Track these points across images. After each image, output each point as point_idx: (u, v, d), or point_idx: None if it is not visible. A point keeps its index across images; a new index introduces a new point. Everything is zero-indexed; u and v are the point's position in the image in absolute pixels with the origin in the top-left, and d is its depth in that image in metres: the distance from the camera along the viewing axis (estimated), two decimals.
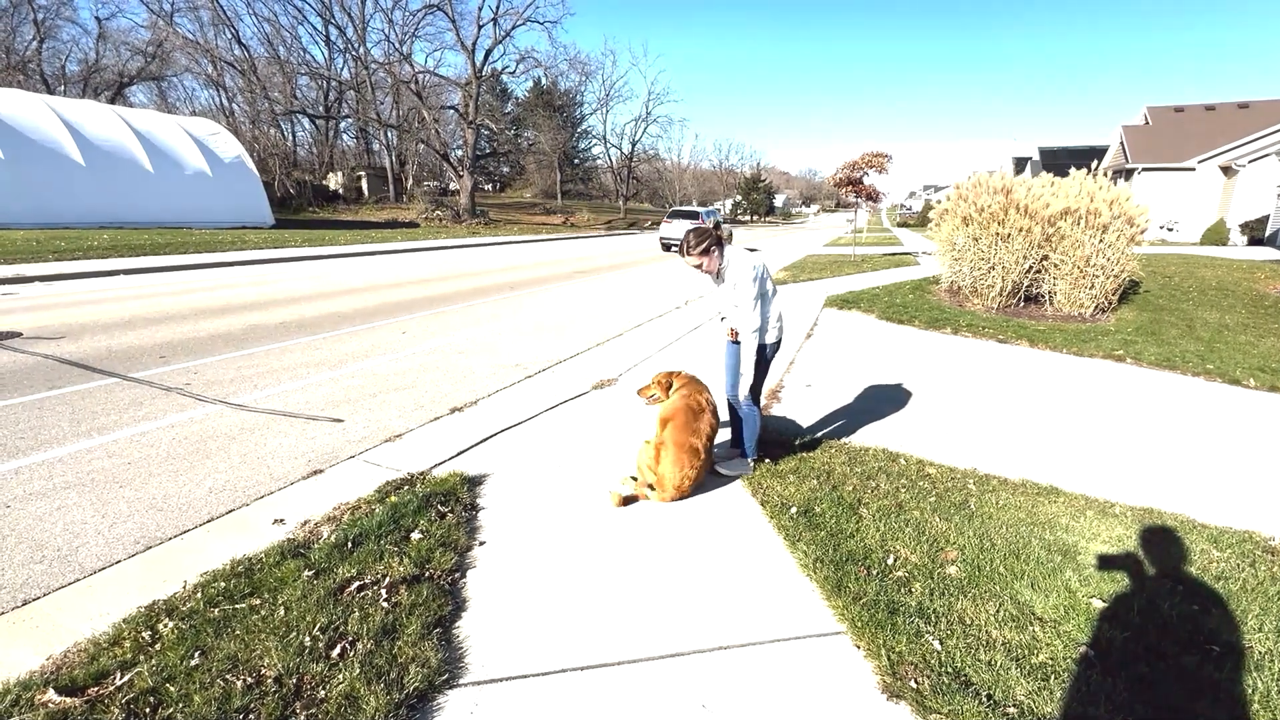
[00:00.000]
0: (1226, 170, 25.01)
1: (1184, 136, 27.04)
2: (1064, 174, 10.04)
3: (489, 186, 62.28)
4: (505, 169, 63.44)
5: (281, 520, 3.02)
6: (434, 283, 12.70)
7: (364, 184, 43.28)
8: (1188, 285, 12.19)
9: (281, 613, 2.19)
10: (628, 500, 3.25)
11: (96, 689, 1.86)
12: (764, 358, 3.41)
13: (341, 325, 7.99)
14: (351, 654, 2.00)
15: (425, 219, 35.07)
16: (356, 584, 2.37)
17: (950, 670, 1.99)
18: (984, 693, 1.90)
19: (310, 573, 2.45)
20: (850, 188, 16.50)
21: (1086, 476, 3.69)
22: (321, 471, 3.62)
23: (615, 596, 2.45)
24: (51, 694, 1.83)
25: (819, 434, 4.27)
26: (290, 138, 44.71)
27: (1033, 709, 1.85)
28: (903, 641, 2.12)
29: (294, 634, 2.08)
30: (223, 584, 2.38)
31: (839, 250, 23.34)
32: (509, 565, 2.67)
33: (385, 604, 2.26)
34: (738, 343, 3.43)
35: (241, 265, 14.69)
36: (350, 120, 47.07)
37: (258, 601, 2.28)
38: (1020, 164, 43.78)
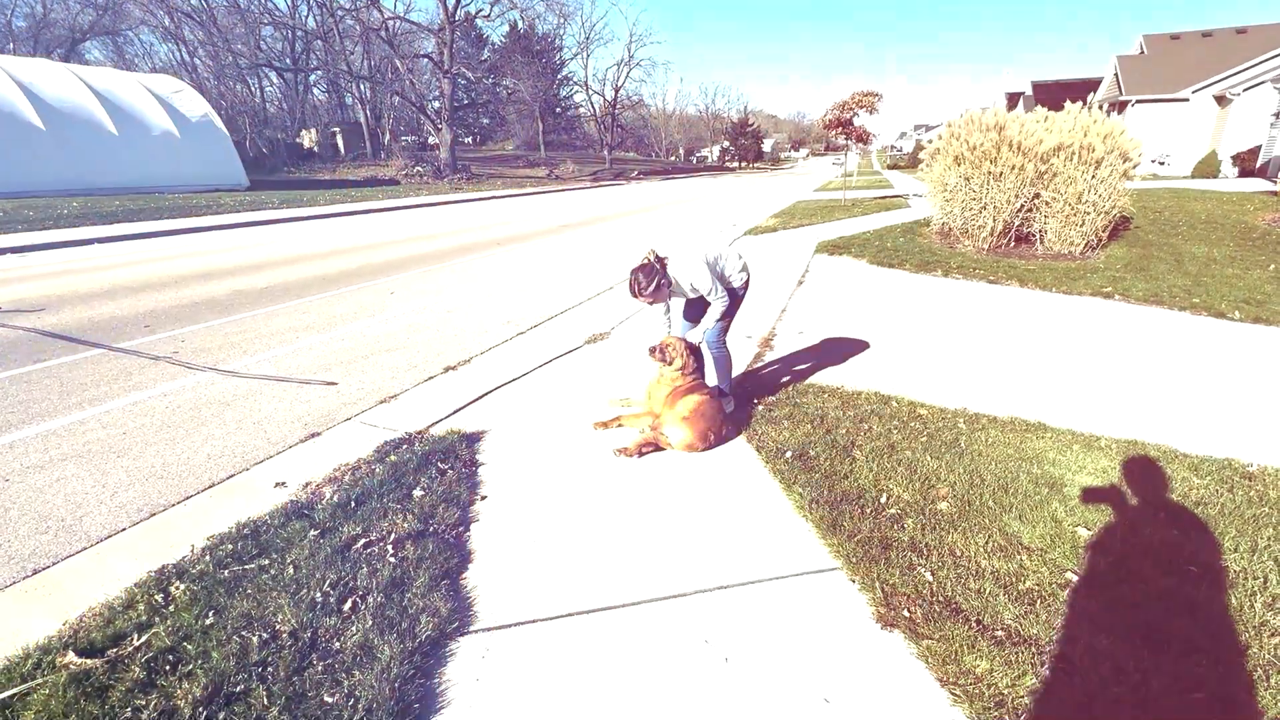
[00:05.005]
0: (1221, 100, 24.60)
1: (1180, 66, 26.41)
2: (1058, 109, 9.83)
3: (469, 140, 60.44)
4: (485, 120, 61.44)
5: (283, 483, 3.04)
6: (419, 241, 12.47)
7: (339, 141, 41.87)
8: (1178, 219, 12.16)
9: (291, 571, 2.24)
10: (609, 425, 3.58)
11: (115, 650, 1.91)
12: (734, 300, 3.51)
13: (328, 288, 7.87)
14: (363, 607, 2.05)
15: (405, 176, 34.15)
16: (362, 541, 2.42)
17: (941, 599, 2.08)
18: (974, 618, 1.99)
19: (316, 532, 2.49)
20: (840, 129, 16.15)
21: (1073, 412, 3.76)
22: (319, 434, 3.64)
23: (617, 543, 2.51)
24: (72, 656, 1.87)
25: (812, 379, 4.31)
26: (258, 93, 42.91)
27: (1019, 631, 1.94)
28: (896, 574, 2.20)
29: (305, 591, 2.13)
30: (230, 546, 2.42)
31: (829, 195, 23.02)
32: (511, 517, 2.72)
33: (392, 559, 2.31)
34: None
35: (220, 230, 14.34)
36: (320, 73, 45.12)
37: (266, 561, 2.32)
38: (1013, 100, 42.75)
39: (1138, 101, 26.14)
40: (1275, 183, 17.45)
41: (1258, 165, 22.25)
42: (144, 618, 2.05)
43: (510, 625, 2.04)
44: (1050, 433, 3.46)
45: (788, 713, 1.70)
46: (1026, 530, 2.48)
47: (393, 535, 2.45)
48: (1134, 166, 9.21)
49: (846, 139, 16.59)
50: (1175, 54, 27.72)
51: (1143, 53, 29.12)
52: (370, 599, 2.09)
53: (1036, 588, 2.14)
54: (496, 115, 58.99)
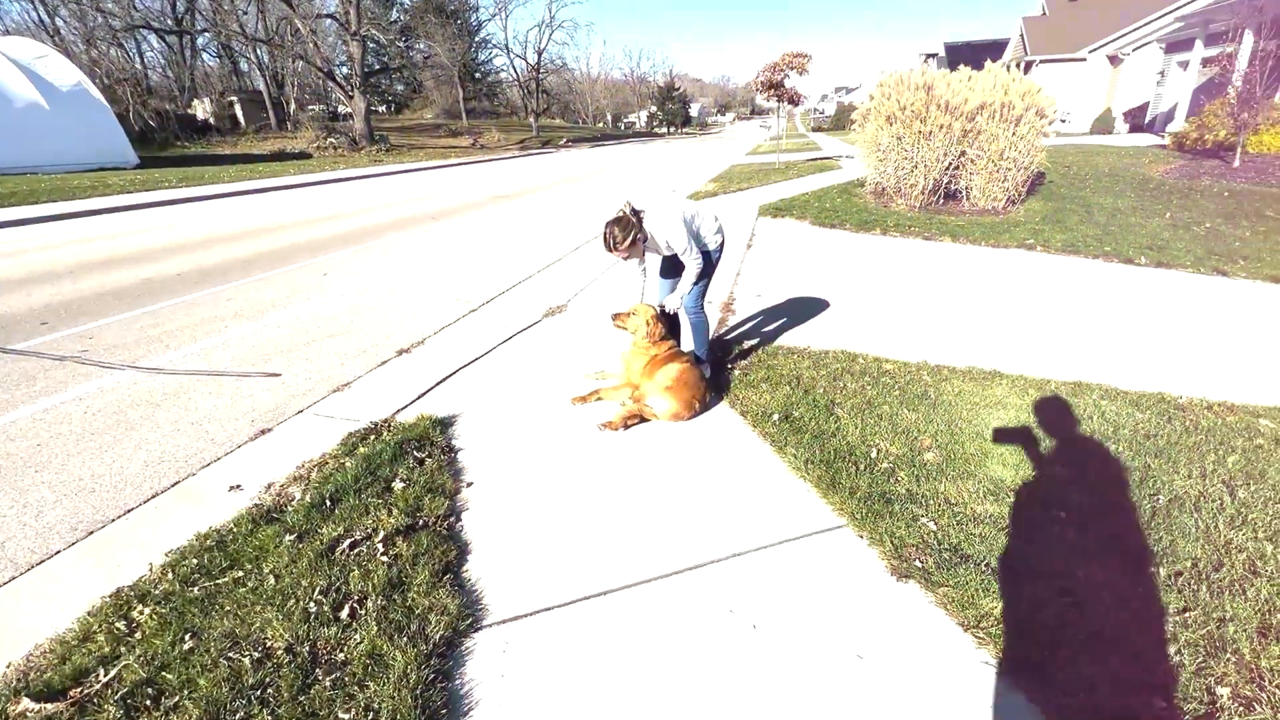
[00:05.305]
0: (1114, 60, 26.27)
1: (1079, 26, 27.90)
2: (977, 68, 10.18)
3: (383, 108, 56.75)
4: (400, 87, 57.78)
5: (239, 486, 2.79)
6: (344, 218, 11.67)
7: (238, 111, 38.35)
8: (1085, 174, 13.00)
9: (272, 581, 2.05)
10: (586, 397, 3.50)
11: (79, 690, 1.69)
12: (709, 263, 3.45)
13: (251, 271, 7.24)
14: (363, 612, 1.90)
15: (318, 148, 31.79)
16: (348, 541, 2.24)
17: (948, 547, 2.14)
18: (981, 562, 2.06)
19: (292, 537, 2.28)
20: (771, 91, 16.17)
21: (1021, 358, 3.97)
22: (270, 430, 3.35)
23: (620, 519, 2.45)
24: (27, 702, 1.64)
25: (779, 341, 4.35)
26: (138, 58, 38.55)
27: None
28: (901, 526, 2.25)
29: (293, 601, 1.95)
30: (195, 560, 2.19)
31: (762, 159, 23.19)
32: (504, 502, 2.60)
33: (385, 558, 2.15)
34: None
35: (113, 213, 12.90)
36: (209, 36, 40.85)
37: (241, 574, 2.11)
38: (928, 61, 44.24)
39: (1041, 61, 27.56)
40: (1162, 137, 18.94)
41: (1146, 121, 24.04)
42: (107, 649, 1.82)
43: (527, 615, 1.95)
44: (1006, 379, 3.64)
45: (825, 673, 1.71)
46: (1009, 473, 2.59)
47: (380, 533, 2.28)
48: (1049, 124, 9.72)
49: (778, 101, 16.65)
50: (1074, 15, 29.26)
51: (1045, 14, 30.60)
52: (369, 603, 1.94)
53: (1030, 528, 2.24)
54: (413, 81, 55.57)
